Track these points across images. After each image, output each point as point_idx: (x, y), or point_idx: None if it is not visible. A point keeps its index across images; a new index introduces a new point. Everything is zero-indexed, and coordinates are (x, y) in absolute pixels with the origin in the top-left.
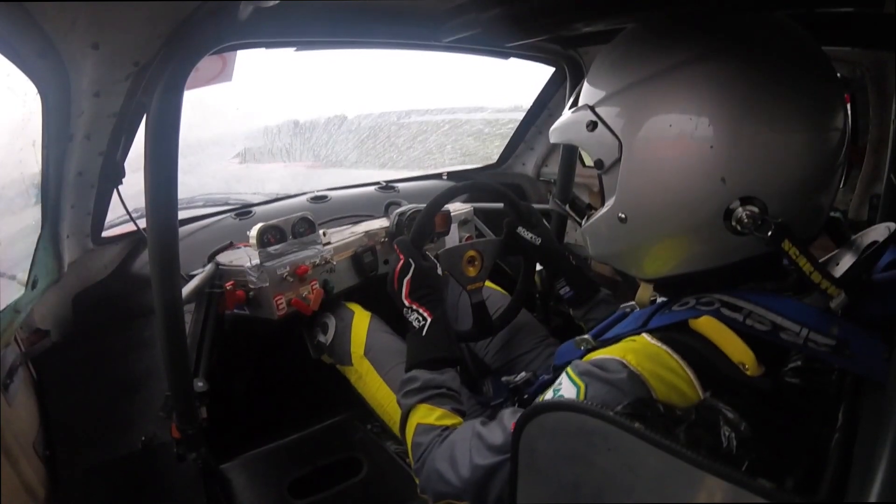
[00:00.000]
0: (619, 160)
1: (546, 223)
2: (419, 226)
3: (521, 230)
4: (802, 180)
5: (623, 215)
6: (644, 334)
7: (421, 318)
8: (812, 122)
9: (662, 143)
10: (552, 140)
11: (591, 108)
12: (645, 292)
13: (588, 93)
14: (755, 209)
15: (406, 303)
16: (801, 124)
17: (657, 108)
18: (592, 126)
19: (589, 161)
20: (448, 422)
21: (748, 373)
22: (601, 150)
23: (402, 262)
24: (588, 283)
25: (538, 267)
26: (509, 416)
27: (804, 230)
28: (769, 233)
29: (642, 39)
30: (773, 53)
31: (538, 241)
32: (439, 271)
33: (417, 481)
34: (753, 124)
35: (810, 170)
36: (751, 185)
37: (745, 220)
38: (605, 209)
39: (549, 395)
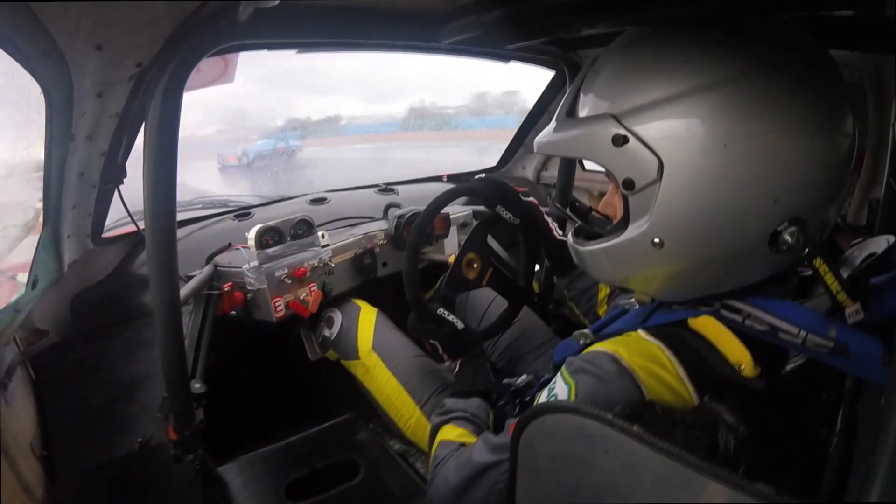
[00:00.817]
0: (656, 180)
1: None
2: (411, 283)
3: (500, 209)
4: (832, 196)
5: (658, 240)
6: (640, 330)
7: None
8: (850, 137)
9: (715, 162)
10: (555, 153)
11: (616, 119)
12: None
13: (603, 100)
14: (797, 230)
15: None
16: (842, 140)
17: (710, 125)
18: (622, 141)
19: (591, 166)
20: (466, 440)
21: (744, 373)
22: (633, 168)
23: (429, 346)
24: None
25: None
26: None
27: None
28: (806, 252)
29: (678, 46)
30: (820, 69)
31: (517, 221)
32: (458, 326)
33: (428, 493)
34: (805, 139)
35: (839, 185)
36: (798, 205)
37: (790, 242)
38: (630, 233)
39: (544, 395)
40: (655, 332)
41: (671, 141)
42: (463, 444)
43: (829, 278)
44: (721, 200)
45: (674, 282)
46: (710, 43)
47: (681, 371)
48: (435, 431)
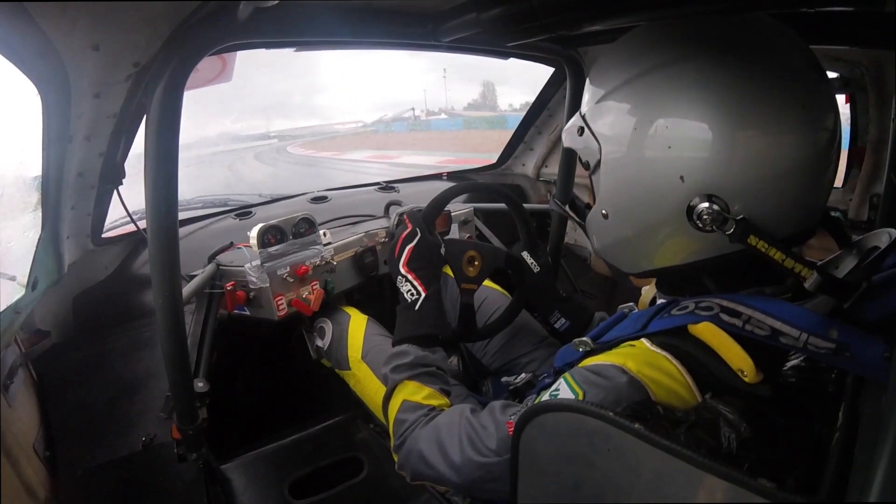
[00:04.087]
0: (599, 161)
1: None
2: (435, 204)
3: (525, 254)
4: (772, 176)
5: (605, 212)
6: (643, 340)
7: (414, 292)
8: (777, 119)
9: (629, 144)
10: (564, 144)
11: (582, 116)
12: (649, 293)
13: (584, 100)
14: (716, 207)
15: (402, 271)
16: (761, 122)
17: (624, 113)
18: (580, 131)
19: None
20: (435, 402)
21: (747, 379)
22: (587, 152)
23: (409, 229)
24: (581, 310)
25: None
26: (500, 412)
27: (785, 226)
28: (732, 230)
29: (623, 48)
30: (735, 53)
31: (537, 268)
32: (442, 251)
33: (395, 458)
34: (710, 126)
35: (784, 165)
36: (710, 183)
37: (706, 217)
38: (594, 208)
39: (544, 398)
40: (660, 343)
41: (605, 128)
42: (433, 409)
43: (773, 252)
44: (637, 176)
45: (627, 251)
46: (642, 42)
47: (689, 380)
48: (394, 387)
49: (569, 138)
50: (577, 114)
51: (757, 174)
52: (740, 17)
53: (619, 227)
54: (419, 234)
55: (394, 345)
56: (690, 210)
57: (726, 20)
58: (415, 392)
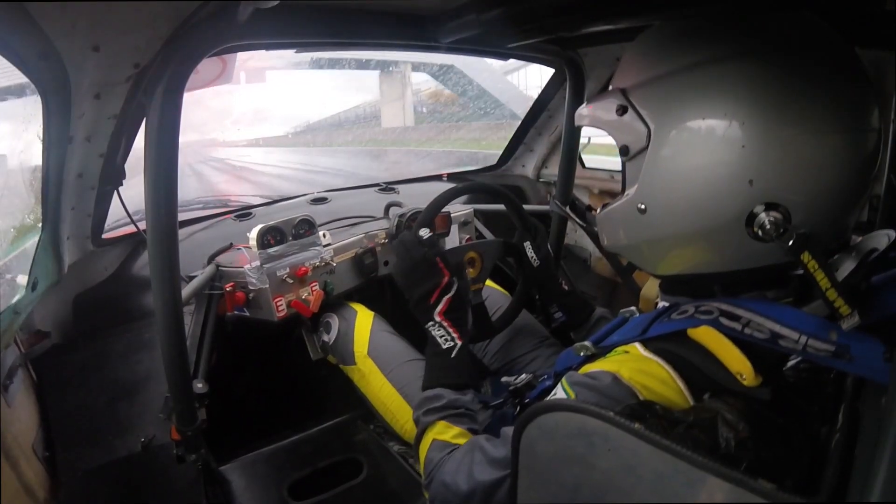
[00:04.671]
0: (645, 148)
1: (546, 231)
2: (433, 206)
3: (527, 245)
4: (833, 189)
5: (643, 206)
6: (637, 345)
7: (449, 339)
8: (847, 126)
9: (693, 136)
10: (577, 123)
11: (623, 92)
12: (652, 289)
13: (620, 77)
14: (779, 216)
15: (437, 318)
16: (835, 128)
17: (691, 101)
18: (622, 110)
19: (589, 163)
20: (462, 441)
21: (745, 383)
22: (628, 135)
23: (446, 279)
24: (581, 306)
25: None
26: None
27: (829, 242)
28: (790, 242)
29: (681, 31)
30: (811, 54)
31: (537, 262)
32: (470, 296)
33: (427, 495)
34: (788, 126)
35: (843, 177)
36: (778, 191)
37: (768, 227)
38: (624, 198)
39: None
40: (654, 348)
41: (660, 112)
42: (460, 446)
43: (819, 275)
44: (696, 173)
45: (659, 252)
46: (705, 29)
47: (682, 385)
48: (425, 428)
49: (598, 116)
50: (616, 90)
51: (820, 184)
52: (795, 17)
53: (659, 225)
54: (456, 285)
55: (425, 388)
56: (752, 217)
57: (785, 19)
58: (443, 431)
